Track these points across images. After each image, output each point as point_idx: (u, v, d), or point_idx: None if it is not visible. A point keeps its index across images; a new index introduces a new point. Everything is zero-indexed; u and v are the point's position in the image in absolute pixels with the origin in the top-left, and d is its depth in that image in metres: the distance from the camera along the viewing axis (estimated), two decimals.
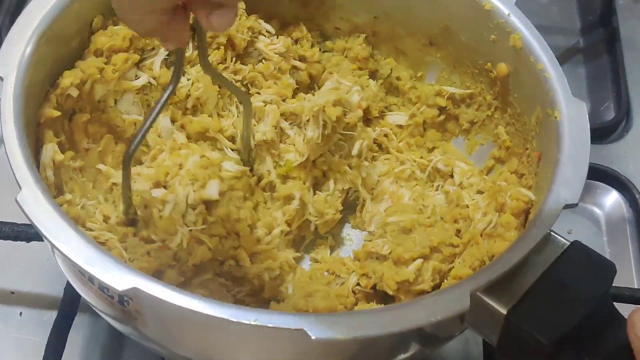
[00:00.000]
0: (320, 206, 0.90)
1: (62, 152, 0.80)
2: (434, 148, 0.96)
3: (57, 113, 0.81)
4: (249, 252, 0.85)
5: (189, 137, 0.90)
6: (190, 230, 0.80)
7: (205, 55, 0.74)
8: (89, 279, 0.68)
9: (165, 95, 0.73)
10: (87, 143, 0.87)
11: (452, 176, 0.92)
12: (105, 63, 0.86)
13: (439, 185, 0.93)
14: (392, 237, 0.85)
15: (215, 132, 0.91)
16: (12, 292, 0.94)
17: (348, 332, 0.60)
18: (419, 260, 0.82)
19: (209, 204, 0.82)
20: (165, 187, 0.83)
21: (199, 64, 0.90)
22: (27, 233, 0.90)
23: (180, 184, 0.81)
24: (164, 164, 0.84)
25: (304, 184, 0.91)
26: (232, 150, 0.91)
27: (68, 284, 0.89)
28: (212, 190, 0.82)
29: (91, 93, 0.85)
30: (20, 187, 0.68)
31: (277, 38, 0.96)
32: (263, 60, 0.95)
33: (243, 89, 0.94)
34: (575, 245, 0.69)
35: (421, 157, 0.95)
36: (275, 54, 0.95)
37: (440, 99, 0.95)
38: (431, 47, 0.96)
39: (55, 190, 0.79)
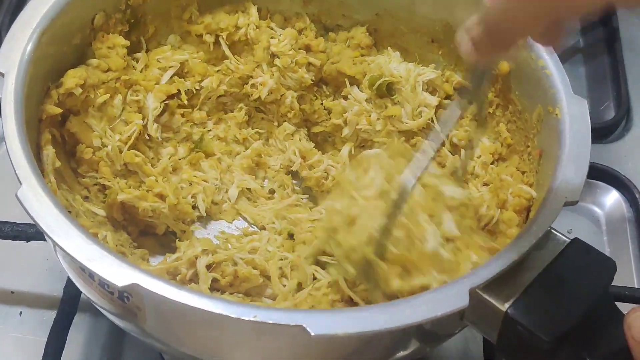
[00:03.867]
0: None
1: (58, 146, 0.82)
2: None
3: (58, 110, 0.81)
4: None
5: None
6: None
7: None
8: (90, 275, 0.69)
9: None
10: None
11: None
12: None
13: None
14: None
15: None
16: (12, 292, 0.94)
17: (348, 329, 0.60)
18: None
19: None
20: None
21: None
22: (27, 232, 0.90)
23: (424, 221, 0.76)
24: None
25: None
26: None
27: (67, 283, 0.89)
28: (451, 225, 0.76)
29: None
30: (20, 183, 0.68)
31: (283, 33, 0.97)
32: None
33: None
34: (575, 242, 0.69)
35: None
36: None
37: (447, 85, 0.95)
38: (433, 45, 0.96)
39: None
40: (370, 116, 0.94)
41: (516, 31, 0.61)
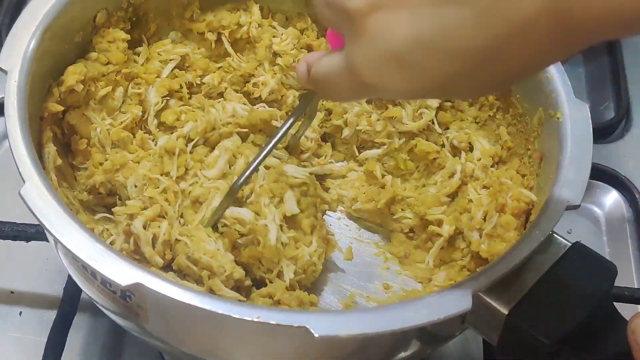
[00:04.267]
0: None
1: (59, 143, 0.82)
2: (447, 129, 0.94)
3: (60, 107, 0.81)
4: None
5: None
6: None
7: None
8: (92, 274, 0.69)
9: (286, 125, 0.77)
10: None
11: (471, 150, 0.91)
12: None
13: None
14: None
15: None
16: (12, 292, 0.93)
17: (351, 330, 0.60)
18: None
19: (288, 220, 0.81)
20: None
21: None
22: (27, 233, 0.90)
23: (265, 205, 0.80)
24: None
25: None
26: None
27: (67, 283, 0.89)
28: (292, 204, 0.81)
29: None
30: (23, 181, 0.68)
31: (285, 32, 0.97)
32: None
33: None
34: (577, 246, 0.69)
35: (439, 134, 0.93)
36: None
37: None
38: None
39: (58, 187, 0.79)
40: (370, 117, 0.94)
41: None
